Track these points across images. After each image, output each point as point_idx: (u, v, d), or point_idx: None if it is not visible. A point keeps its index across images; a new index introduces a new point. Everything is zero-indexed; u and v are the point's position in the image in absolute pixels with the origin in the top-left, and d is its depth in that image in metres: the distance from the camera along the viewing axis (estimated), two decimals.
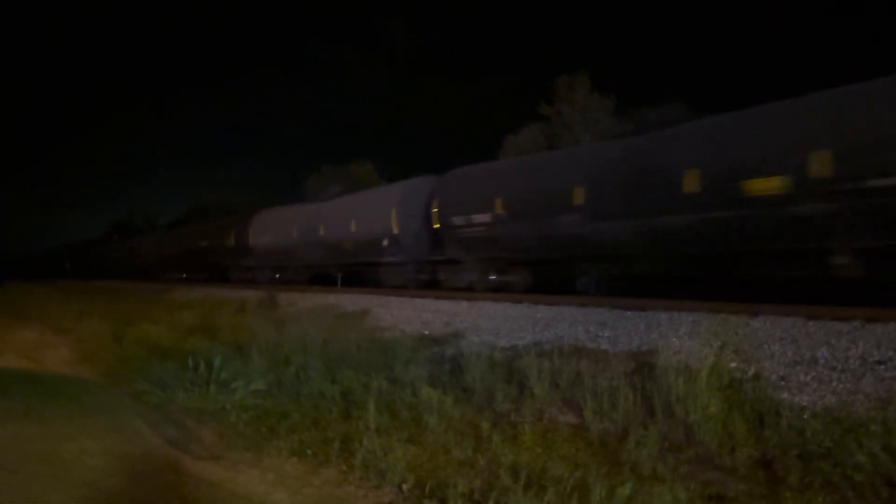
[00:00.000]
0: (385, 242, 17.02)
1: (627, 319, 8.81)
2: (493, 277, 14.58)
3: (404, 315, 11.70)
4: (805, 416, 4.52)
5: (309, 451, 4.84)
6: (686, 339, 7.16)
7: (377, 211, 17.71)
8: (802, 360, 6.04)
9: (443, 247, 15.61)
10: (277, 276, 24.77)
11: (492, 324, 9.86)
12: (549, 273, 13.74)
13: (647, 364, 5.97)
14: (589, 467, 4.15)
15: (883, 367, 5.57)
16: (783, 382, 5.49)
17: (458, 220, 14.60)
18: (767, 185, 8.93)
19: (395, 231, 16.67)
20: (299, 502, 4.08)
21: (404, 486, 4.04)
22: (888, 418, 4.20)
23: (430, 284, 16.58)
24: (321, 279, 23.84)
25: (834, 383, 5.33)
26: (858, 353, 6.03)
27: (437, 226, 15.45)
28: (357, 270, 19.93)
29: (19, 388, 7.39)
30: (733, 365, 5.93)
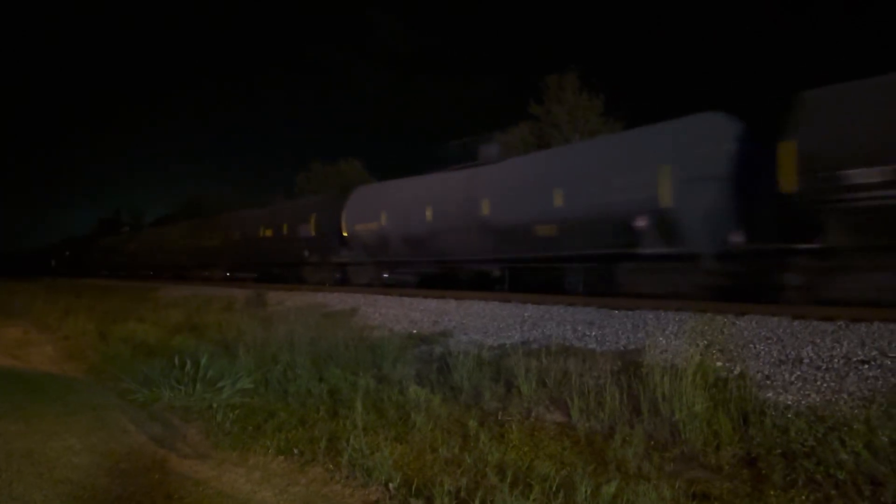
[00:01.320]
0: (640, 223, 10.64)
1: (615, 319, 8.85)
2: None
3: (392, 314, 11.69)
4: (789, 415, 4.56)
5: (296, 450, 4.83)
6: (672, 338, 7.20)
7: (621, 172, 11.05)
8: (787, 360, 6.10)
9: (811, 229, 8.76)
10: (387, 275, 17.80)
11: (480, 323, 9.87)
12: None
13: (633, 363, 6.00)
14: (575, 465, 4.16)
15: (867, 366, 5.63)
16: (768, 381, 5.54)
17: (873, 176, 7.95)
18: None
19: (666, 202, 10.27)
20: (285, 501, 4.07)
21: (391, 485, 4.03)
22: (871, 417, 4.24)
23: (762, 296, 9.43)
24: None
25: (818, 382, 5.38)
26: (843, 352, 6.10)
27: (798, 188, 8.71)
28: (553, 268, 12.77)
29: (3, 386, 7.34)
30: (719, 364, 5.97)
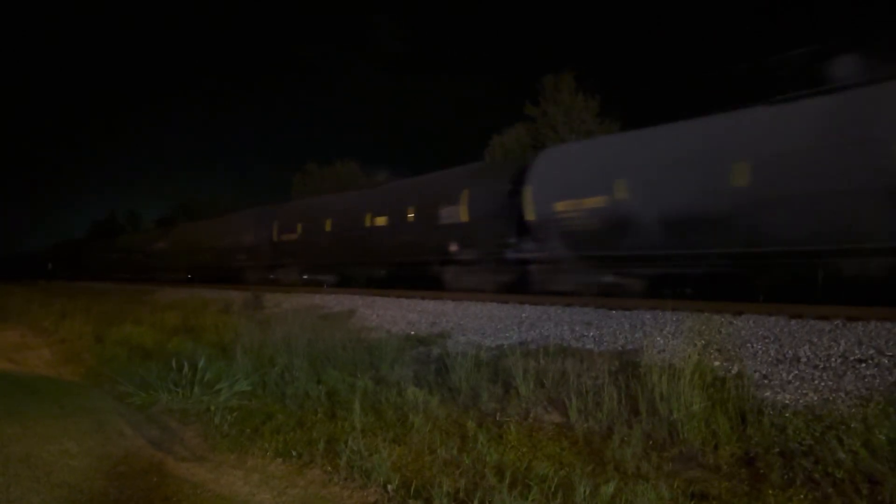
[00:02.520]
0: None
1: (612, 319, 8.85)
2: None
3: (390, 315, 11.69)
4: (787, 414, 4.56)
5: (294, 452, 4.82)
6: (670, 338, 7.21)
7: None
8: (785, 359, 6.10)
9: None
10: (612, 278, 11.71)
11: (477, 324, 9.87)
12: None
13: (631, 363, 6.00)
14: (573, 466, 4.16)
15: (864, 365, 5.64)
16: (766, 381, 5.54)
17: None
18: None
19: None
20: (284, 503, 4.06)
21: (389, 487, 4.03)
22: (869, 416, 4.25)
23: None
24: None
25: (816, 381, 5.38)
26: (840, 351, 6.11)
27: None
28: None
29: (0, 390, 7.31)
30: (717, 364, 5.98)
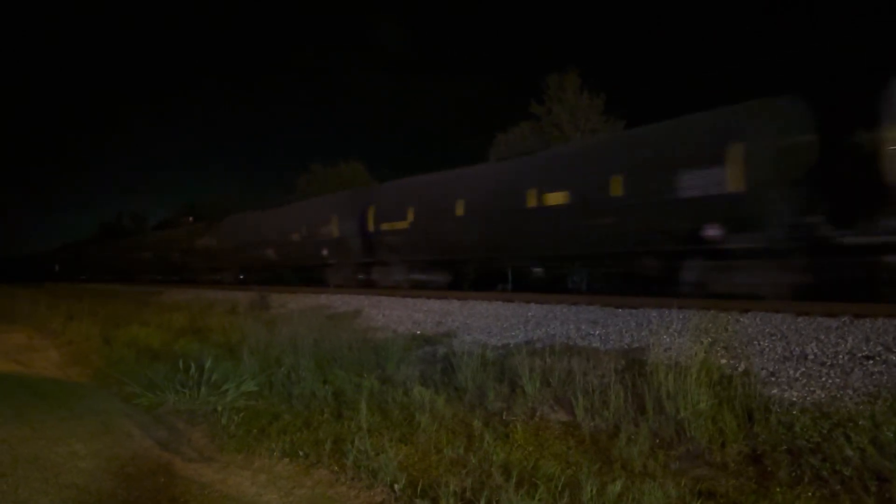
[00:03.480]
0: None
1: (618, 317, 8.84)
2: None
3: (396, 315, 11.70)
4: (794, 412, 4.55)
5: (301, 452, 4.83)
6: (676, 336, 7.19)
7: None
8: (792, 356, 6.09)
9: None
10: None
11: (483, 323, 9.87)
12: None
13: (637, 361, 5.99)
14: (580, 465, 4.15)
15: (871, 362, 5.62)
16: (773, 378, 5.53)
17: None
18: None
19: None
20: (291, 503, 4.07)
21: (396, 486, 4.03)
22: (876, 413, 4.23)
23: None
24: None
25: (823, 378, 5.37)
26: (847, 348, 6.08)
27: None
28: None
29: (8, 392, 7.36)
30: (723, 361, 5.96)
